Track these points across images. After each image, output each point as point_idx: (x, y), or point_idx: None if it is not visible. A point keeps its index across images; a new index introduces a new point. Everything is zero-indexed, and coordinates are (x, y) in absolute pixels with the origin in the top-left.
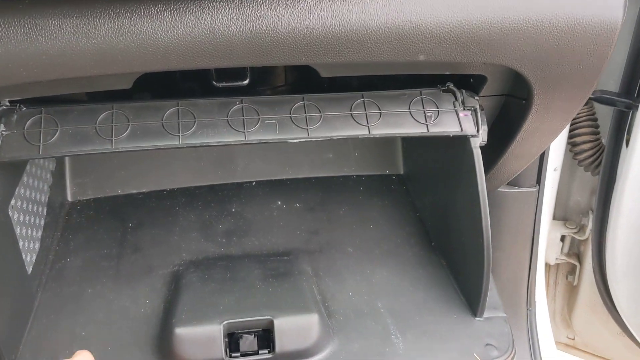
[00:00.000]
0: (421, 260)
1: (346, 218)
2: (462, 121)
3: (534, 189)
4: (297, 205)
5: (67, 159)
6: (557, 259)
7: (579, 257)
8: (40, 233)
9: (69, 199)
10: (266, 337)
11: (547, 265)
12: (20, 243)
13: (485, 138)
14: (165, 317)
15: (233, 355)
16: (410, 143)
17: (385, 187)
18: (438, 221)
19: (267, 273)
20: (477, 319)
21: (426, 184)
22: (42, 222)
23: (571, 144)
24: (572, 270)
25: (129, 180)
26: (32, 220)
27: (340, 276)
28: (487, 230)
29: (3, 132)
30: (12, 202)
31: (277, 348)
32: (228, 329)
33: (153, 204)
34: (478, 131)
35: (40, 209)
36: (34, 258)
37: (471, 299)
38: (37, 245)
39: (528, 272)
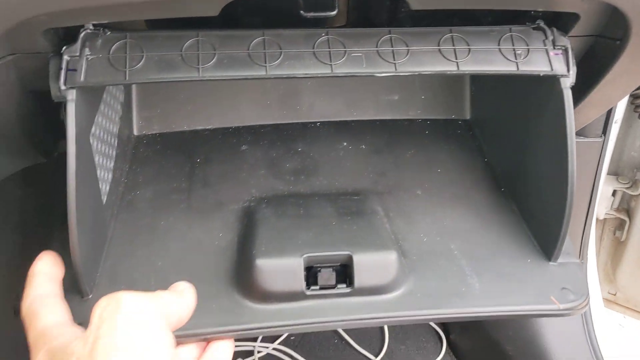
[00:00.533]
0: (491, 204)
1: (413, 161)
2: (552, 60)
3: (600, 140)
4: (363, 146)
5: (134, 91)
6: (606, 213)
7: (628, 212)
8: (112, 164)
9: (135, 132)
10: (344, 272)
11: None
12: (98, 172)
13: (574, 79)
14: (242, 250)
15: (312, 288)
16: (479, 87)
17: (452, 131)
18: (510, 166)
19: (340, 211)
20: (551, 263)
21: (496, 129)
22: (114, 153)
23: (633, 95)
24: (620, 226)
25: (194, 117)
26: (106, 149)
27: (411, 217)
28: (572, 175)
29: (88, 57)
30: (93, 129)
31: (356, 283)
32: (307, 263)
33: (219, 140)
34: (569, 71)
35: (112, 140)
36: (107, 188)
37: (545, 243)
38: (110, 176)
39: (584, 225)
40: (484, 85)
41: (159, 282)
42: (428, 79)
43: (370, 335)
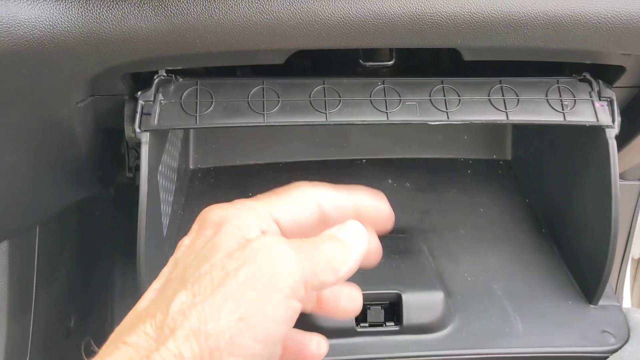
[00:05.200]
0: (533, 245)
1: (456, 200)
2: (598, 111)
3: (637, 183)
4: (408, 184)
5: (192, 129)
6: None
7: None
8: (172, 197)
9: (191, 166)
10: (392, 310)
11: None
12: (161, 206)
13: (619, 130)
14: None
15: (362, 325)
16: (521, 130)
17: (493, 171)
18: (551, 208)
19: (388, 249)
20: (592, 306)
21: (538, 171)
22: (174, 187)
23: None
24: None
25: (247, 152)
26: (168, 184)
27: (455, 256)
28: (615, 222)
29: (161, 101)
30: (160, 167)
31: (404, 321)
32: None
33: (270, 175)
34: (614, 122)
35: (172, 174)
36: (167, 221)
37: (586, 286)
38: (170, 209)
39: (620, 265)
40: (526, 128)
41: None
42: None
43: None
